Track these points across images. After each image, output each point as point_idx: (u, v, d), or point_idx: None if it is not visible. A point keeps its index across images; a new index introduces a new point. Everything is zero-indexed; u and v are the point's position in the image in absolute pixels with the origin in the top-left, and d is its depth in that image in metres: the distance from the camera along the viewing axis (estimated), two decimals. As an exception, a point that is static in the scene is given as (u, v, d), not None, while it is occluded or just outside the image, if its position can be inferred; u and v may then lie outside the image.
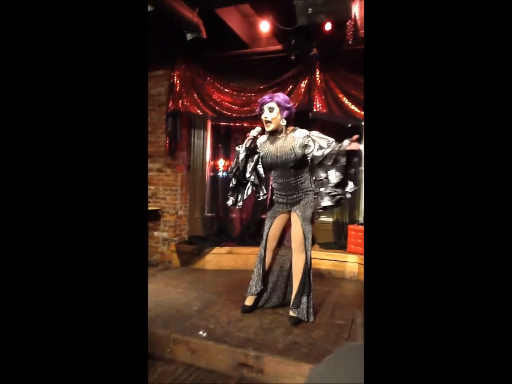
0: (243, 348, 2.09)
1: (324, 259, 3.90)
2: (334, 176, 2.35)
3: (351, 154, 2.31)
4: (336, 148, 2.32)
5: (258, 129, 2.54)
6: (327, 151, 2.35)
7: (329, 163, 2.35)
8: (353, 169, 2.38)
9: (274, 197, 2.66)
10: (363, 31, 3.46)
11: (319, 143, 2.42)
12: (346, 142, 2.32)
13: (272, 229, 2.65)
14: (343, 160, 2.31)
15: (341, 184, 2.36)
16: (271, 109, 2.43)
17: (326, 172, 2.39)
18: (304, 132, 2.48)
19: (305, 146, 2.44)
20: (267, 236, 2.66)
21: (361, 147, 2.35)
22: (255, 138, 2.52)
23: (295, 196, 2.55)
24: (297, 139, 2.46)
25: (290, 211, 2.60)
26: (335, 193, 2.35)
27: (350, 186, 2.38)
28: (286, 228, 2.70)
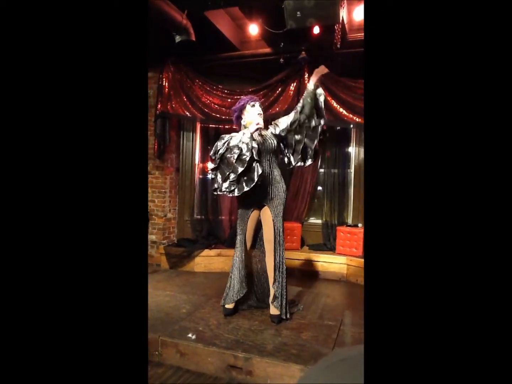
0: (232, 350, 2.09)
1: (313, 261, 3.92)
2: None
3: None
4: (304, 100, 2.53)
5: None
6: (297, 111, 2.56)
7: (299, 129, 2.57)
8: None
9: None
10: (350, 35, 3.51)
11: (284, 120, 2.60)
12: (310, 82, 2.52)
13: (248, 229, 2.62)
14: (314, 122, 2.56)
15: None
16: (260, 115, 2.57)
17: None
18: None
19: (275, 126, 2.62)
20: (244, 238, 2.62)
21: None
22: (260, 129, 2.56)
23: (268, 190, 2.54)
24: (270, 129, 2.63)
25: (261, 206, 2.58)
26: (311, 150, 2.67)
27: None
28: (259, 226, 2.68)
